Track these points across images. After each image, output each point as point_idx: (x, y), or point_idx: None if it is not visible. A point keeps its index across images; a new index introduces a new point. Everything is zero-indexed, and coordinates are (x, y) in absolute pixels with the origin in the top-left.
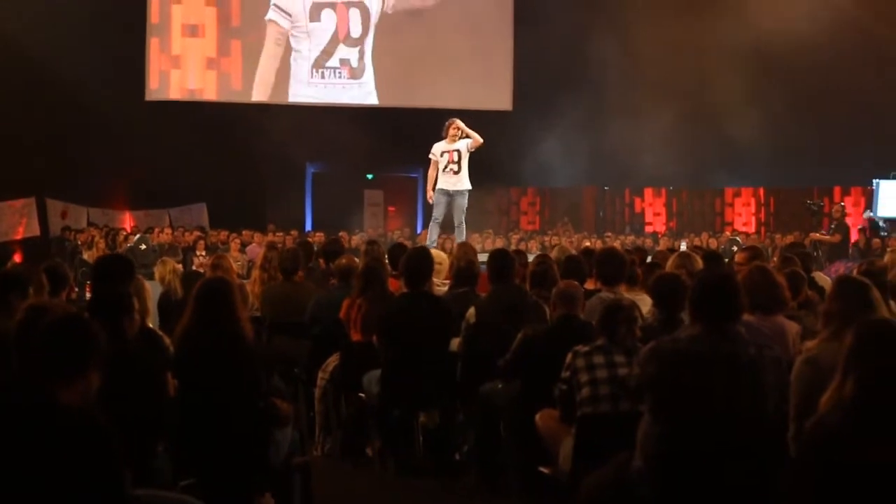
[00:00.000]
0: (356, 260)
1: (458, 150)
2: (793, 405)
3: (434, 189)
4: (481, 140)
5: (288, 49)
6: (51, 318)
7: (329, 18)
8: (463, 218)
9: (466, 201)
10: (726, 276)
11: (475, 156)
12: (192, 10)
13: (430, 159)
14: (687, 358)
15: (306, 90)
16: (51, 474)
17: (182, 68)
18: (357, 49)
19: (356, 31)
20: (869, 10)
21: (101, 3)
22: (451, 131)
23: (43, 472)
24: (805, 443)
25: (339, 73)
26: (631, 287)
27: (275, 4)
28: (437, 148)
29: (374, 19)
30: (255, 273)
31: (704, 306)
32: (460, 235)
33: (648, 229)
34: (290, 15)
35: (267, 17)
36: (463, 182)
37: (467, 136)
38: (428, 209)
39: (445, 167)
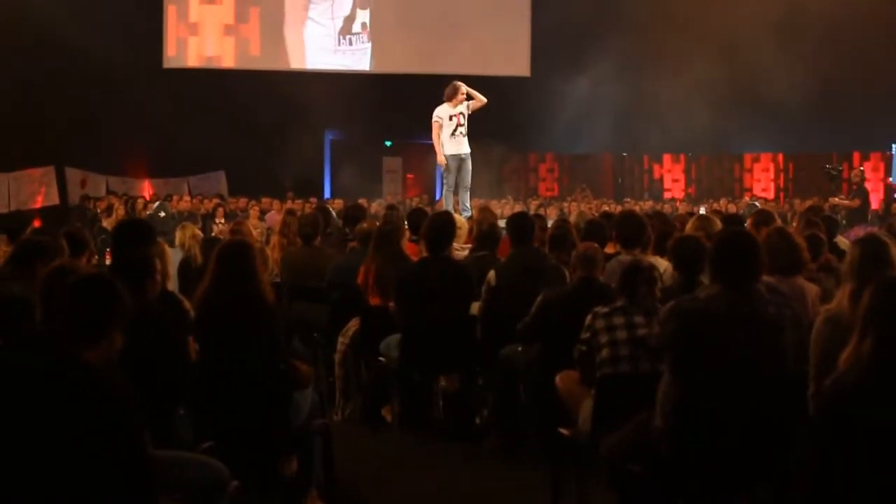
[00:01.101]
0: (375, 224)
1: (464, 113)
2: (812, 364)
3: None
4: (485, 100)
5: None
6: (75, 278)
7: None
8: (470, 180)
9: (471, 164)
10: (746, 235)
11: (494, 121)
12: None
13: (434, 123)
14: (706, 317)
15: (333, 58)
16: (72, 431)
17: (200, 35)
18: (367, 11)
19: None
20: None
21: None
22: (460, 95)
23: (65, 428)
24: (824, 401)
25: (362, 38)
26: (644, 251)
27: None
28: (444, 111)
29: None
30: (275, 238)
31: (724, 265)
32: (467, 198)
33: (667, 195)
34: None
35: None
36: (468, 145)
37: (469, 97)
38: None
39: (454, 131)
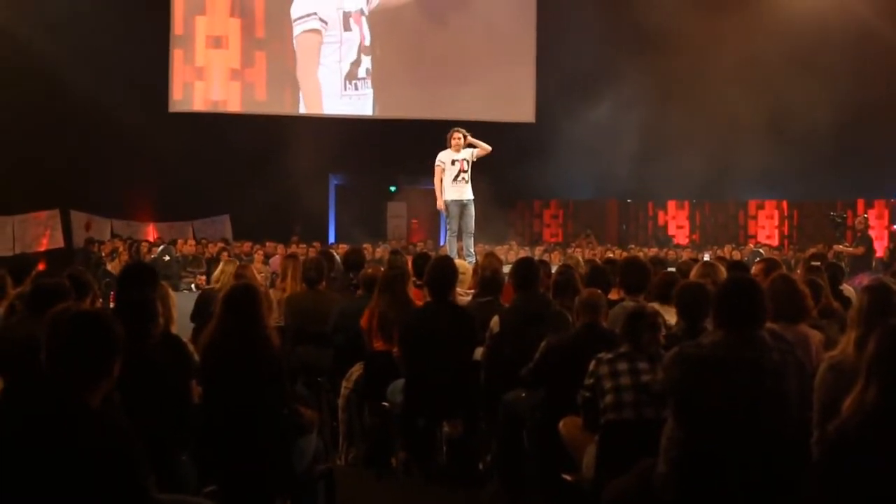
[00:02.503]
0: (382, 269)
1: (467, 160)
2: (816, 410)
3: (443, 198)
4: (489, 148)
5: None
6: (67, 317)
7: (356, 28)
8: (473, 225)
9: (474, 210)
10: (750, 281)
11: (499, 167)
12: (216, 21)
13: (436, 167)
14: (710, 362)
15: (340, 103)
16: (76, 476)
17: (206, 80)
18: (370, 57)
19: (367, 39)
20: (892, 25)
21: (125, 16)
22: (454, 140)
23: (69, 473)
24: (827, 448)
25: (367, 83)
26: (648, 298)
27: (316, 14)
28: (446, 156)
29: (368, 24)
30: (287, 283)
31: (728, 311)
32: (471, 243)
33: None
34: (326, 23)
35: (307, 28)
36: (471, 191)
37: (472, 146)
38: None
39: (457, 176)
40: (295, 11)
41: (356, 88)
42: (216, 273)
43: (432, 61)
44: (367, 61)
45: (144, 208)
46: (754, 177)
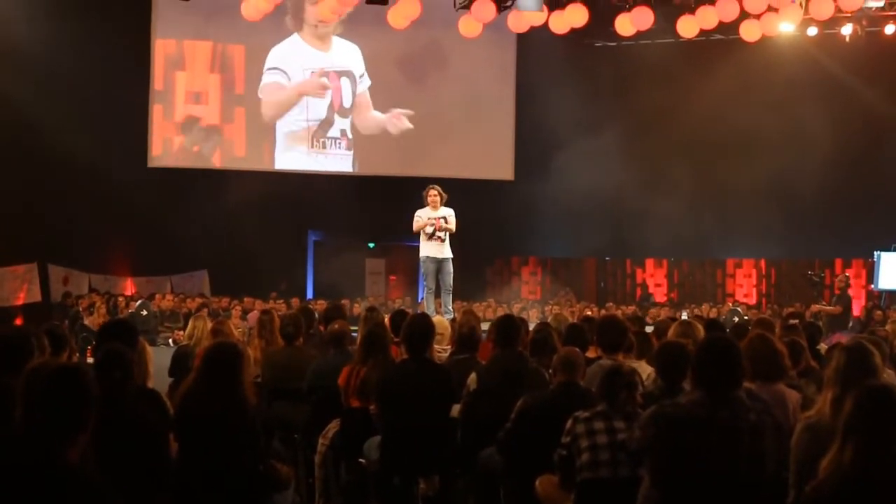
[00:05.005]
0: (348, 325)
1: (445, 218)
2: (792, 471)
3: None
4: (454, 231)
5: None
6: (45, 373)
7: (329, 87)
8: (451, 283)
9: (452, 267)
10: (728, 342)
11: (478, 224)
12: (196, 77)
13: (416, 220)
14: (687, 422)
15: (306, 160)
16: None
17: (185, 135)
18: (348, 119)
19: (347, 101)
20: (869, 86)
21: (105, 70)
22: (430, 198)
23: None
24: None
25: (339, 143)
26: (627, 354)
27: (276, 67)
28: (423, 213)
29: (358, 88)
30: (262, 340)
31: (706, 371)
32: (450, 300)
33: None
34: (290, 79)
35: (266, 81)
36: (448, 250)
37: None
38: None
39: (432, 234)
40: (266, 65)
41: (323, 147)
42: (188, 329)
43: (412, 118)
44: (342, 122)
45: (122, 263)
46: (732, 235)
